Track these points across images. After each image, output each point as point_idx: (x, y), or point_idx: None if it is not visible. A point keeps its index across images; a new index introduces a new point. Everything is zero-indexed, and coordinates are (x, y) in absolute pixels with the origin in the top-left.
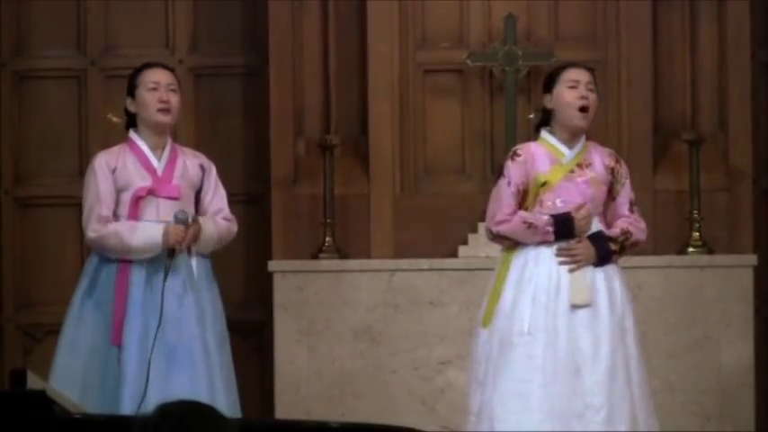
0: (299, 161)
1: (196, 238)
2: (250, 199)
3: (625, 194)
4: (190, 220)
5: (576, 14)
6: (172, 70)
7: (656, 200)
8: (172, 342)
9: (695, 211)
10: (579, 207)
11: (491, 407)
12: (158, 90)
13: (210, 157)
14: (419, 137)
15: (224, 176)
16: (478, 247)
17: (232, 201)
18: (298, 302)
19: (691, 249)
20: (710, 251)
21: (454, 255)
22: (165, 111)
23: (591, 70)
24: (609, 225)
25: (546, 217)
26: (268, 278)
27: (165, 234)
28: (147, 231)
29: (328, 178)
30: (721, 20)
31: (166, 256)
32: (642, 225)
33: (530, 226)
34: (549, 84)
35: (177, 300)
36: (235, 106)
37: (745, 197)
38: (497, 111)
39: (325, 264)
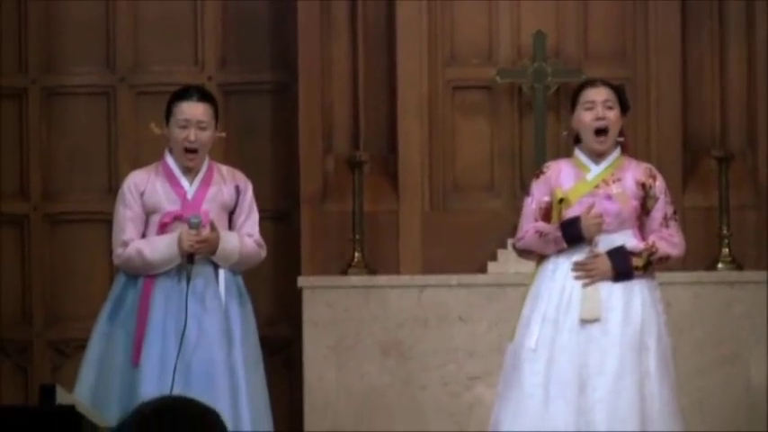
0: (327, 178)
1: (213, 246)
2: (279, 215)
3: (658, 209)
4: (201, 223)
5: (605, 32)
6: (208, 98)
7: (686, 217)
8: (190, 366)
9: (724, 228)
10: (589, 208)
11: (499, 420)
12: (187, 129)
13: None
14: (448, 154)
15: (253, 192)
16: (507, 263)
17: (261, 217)
18: (327, 319)
19: (720, 266)
20: (739, 267)
21: (483, 271)
22: (192, 152)
23: (611, 86)
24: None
25: (556, 224)
26: (297, 294)
27: (179, 241)
28: (163, 244)
29: (357, 195)
30: (750, 37)
31: (186, 262)
32: (676, 239)
33: (541, 235)
34: (572, 104)
35: (196, 322)
36: (264, 123)
37: None
38: (526, 128)
39: (354, 280)
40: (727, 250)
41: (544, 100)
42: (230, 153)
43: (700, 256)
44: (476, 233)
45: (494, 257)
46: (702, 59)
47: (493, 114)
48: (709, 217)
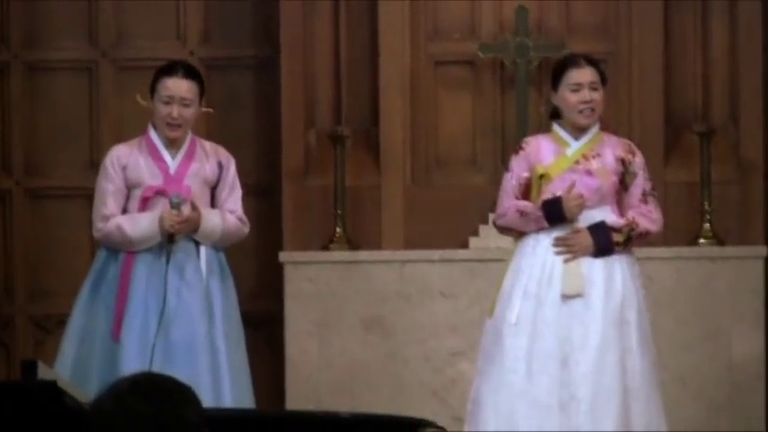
0: (310, 153)
1: (194, 225)
2: (261, 190)
3: (638, 185)
4: (183, 203)
5: (587, 6)
6: (194, 75)
7: (667, 191)
8: (170, 338)
9: (706, 203)
10: (569, 188)
11: (480, 394)
12: (170, 105)
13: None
14: (430, 128)
15: (236, 168)
16: (489, 238)
17: (243, 192)
18: (309, 293)
19: (702, 241)
20: (721, 243)
21: (465, 246)
22: (175, 127)
23: (594, 64)
24: (623, 216)
25: (537, 203)
26: (279, 269)
27: (161, 220)
28: (145, 222)
29: (339, 169)
30: (733, 11)
31: (167, 242)
32: (655, 215)
33: (522, 214)
34: (554, 81)
35: (176, 296)
36: (246, 98)
37: (756, 189)
38: (508, 102)
39: (336, 255)
40: (708, 225)
41: (526, 74)
42: (213, 128)
43: (681, 232)
44: (458, 208)
45: (476, 233)
46: (685, 34)
47: (475, 89)
48: (691, 192)
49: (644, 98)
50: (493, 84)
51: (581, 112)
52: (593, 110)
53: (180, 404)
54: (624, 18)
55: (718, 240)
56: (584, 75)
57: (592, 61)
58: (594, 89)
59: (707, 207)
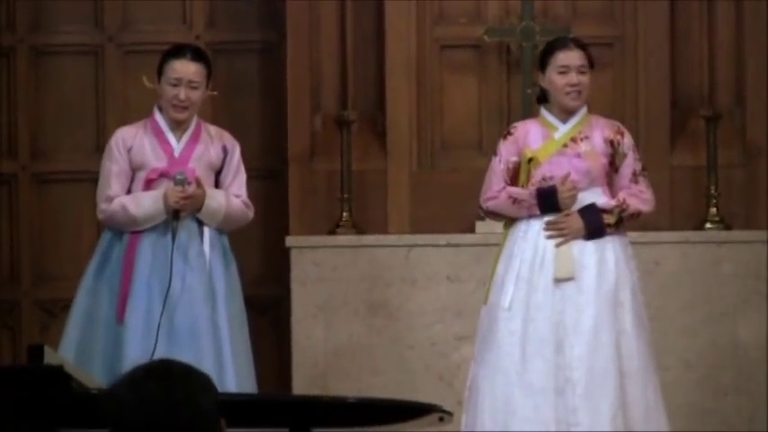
0: (316, 137)
1: (199, 203)
2: (267, 174)
3: (627, 166)
4: (186, 181)
5: None
6: (201, 58)
7: (673, 176)
8: (174, 322)
9: (712, 187)
10: (564, 179)
11: (477, 380)
12: (178, 87)
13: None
14: (436, 112)
15: (241, 152)
16: (495, 223)
17: (249, 176)
18: (315, 278)
19: (708, 225)
20: (728, 227)
21: (471, 230)
22: (182, 108)
23: (583, 47)
24: (615, 197)
25: (530, 190)
26: (285, 254)
27: (165, 197)
28: (148, 200)
29: (345, 154)
30: None
31: (171, 219)
32: (646, 195)
33: (515, 201)
34: (542, 63)
35: (180, 280)
36: (252, 82)
37: (763, 173)
38: (514, 86)
39: (342, 239)
40: (715, 210)
41: (532, 59)
42: (218, 112)
43: (688, 216)
44: (464, 192)
45: (482, 217)
46: (690, 18)
47: (481, 73)
48: (697, 176)
49: (650, 83)
50: (499, 68)
51: (568, 94)
52: (579, 93)
53: (194, 391)
54: (630, 2)
55: (725, 225)
56: (572, 57)
57: (580, 44)
58: (582, 72)
59: (713, 191)
